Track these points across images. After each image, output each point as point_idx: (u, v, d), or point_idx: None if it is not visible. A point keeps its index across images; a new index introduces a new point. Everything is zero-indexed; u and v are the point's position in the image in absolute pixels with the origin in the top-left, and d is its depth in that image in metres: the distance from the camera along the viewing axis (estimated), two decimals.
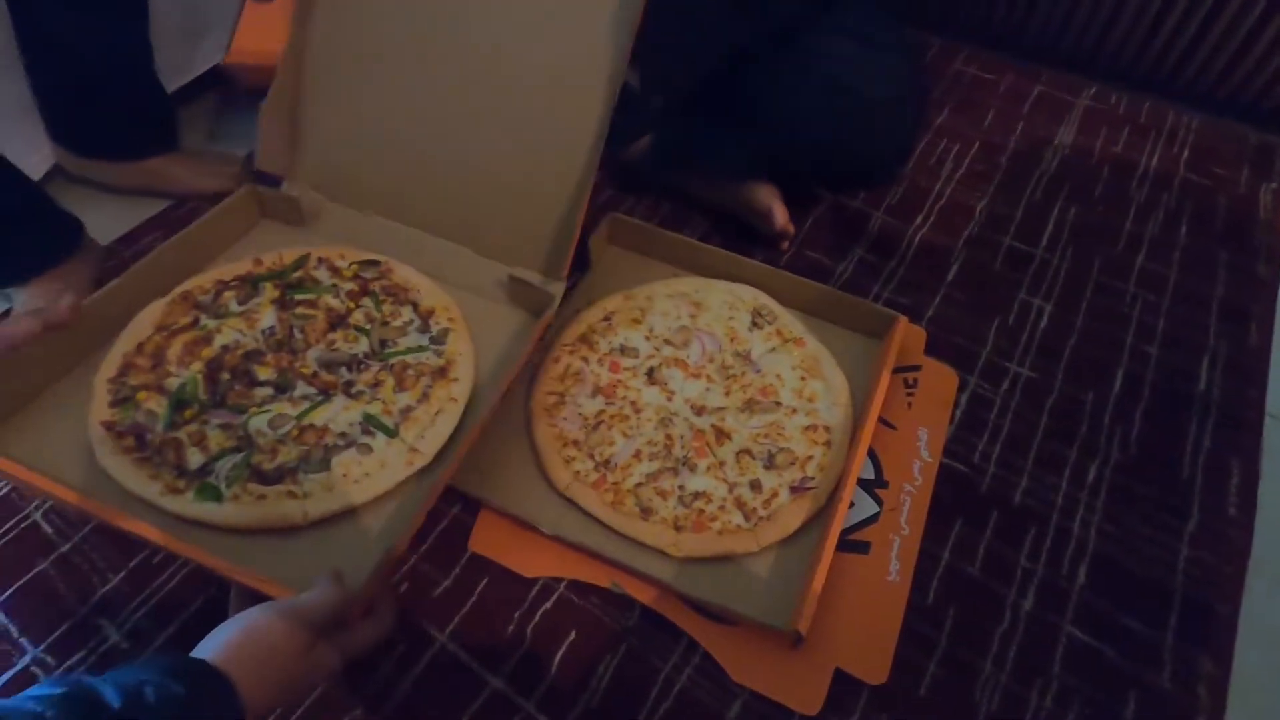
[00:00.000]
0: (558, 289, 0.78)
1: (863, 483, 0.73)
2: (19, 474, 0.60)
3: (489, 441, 0.74)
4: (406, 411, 0.71)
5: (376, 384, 0.73)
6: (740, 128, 0.90)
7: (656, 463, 0.72)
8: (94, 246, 0.87)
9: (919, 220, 1.01)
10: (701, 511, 0.69)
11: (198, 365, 0.71)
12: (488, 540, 0.69)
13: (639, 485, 0.70)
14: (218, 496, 0.63)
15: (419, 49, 0.79)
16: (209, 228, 0.83)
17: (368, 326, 0.77)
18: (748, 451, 0.73)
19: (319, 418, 0.69)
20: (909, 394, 0.81)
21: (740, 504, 0.70)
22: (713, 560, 0.67)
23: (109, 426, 0.66)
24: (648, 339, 0.82)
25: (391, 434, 0.69)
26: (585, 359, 0.80)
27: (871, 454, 0.75)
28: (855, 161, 0.87)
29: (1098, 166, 1.11)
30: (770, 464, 0.72)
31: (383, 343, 0.76)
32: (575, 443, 0.73)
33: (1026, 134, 1.16)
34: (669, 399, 0.77)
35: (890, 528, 0.71)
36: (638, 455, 0.73)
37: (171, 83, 0.98)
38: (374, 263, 0.83)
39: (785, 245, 0.95)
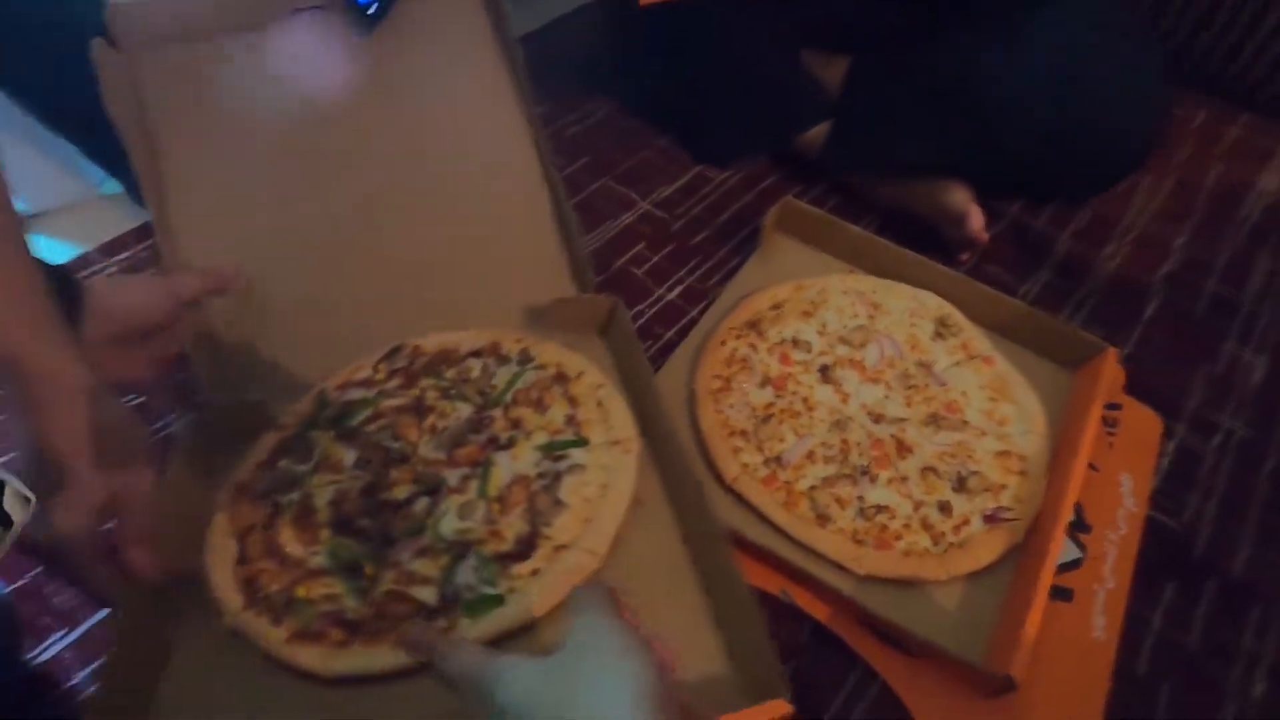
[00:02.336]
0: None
1: None
2: None
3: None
4: (570, 420, 0.63)
5: (516, 424, 0.64)
6: (937, 116, 0.83)
7: (833, 467, 0.65)
8: None
9: (1109, 250, 0.92)
10: (884, 528, 0.61)
11: (325, 533, 0.58)
12: None
13: (814, 488, 0.63)
14: (496, 601, 0.53)
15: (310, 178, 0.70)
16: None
17: (451, 399, 0.66)
18: (933, 469, 0.66)
19: (499, 481, 0.60)
20: (1110, 433, 0.72)
21: (927, 525, 0.62)
22: (895, 583, 0.59)
23: (300, 637, 0.52)
24: (821, 334, 0.75)
25: (583, 442, 0.62)
26: (754, 346, 0.73)
27: None
28: (1076, 160, 0.77)
29: None
30: (960, 487, 0.64)
31: (482, 394, 0.67)
32: (743, 433, 0.67)
33: (1225, 176, 1.06)
34: (844, 401, 0.70)
35: (1094, 577, 0.62)
36: (811, 456, 0.66)
37: None
38: (396, 349, 0.70)
39: (966, 257, 0.87)
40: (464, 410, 0.66)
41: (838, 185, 0.95)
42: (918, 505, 0.63)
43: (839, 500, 0.63)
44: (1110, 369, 0.70)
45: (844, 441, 0.67)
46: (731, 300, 0.80)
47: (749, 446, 0.66)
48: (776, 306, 0.77)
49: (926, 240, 0.88)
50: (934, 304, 0.78)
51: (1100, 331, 0.82)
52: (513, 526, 0.57)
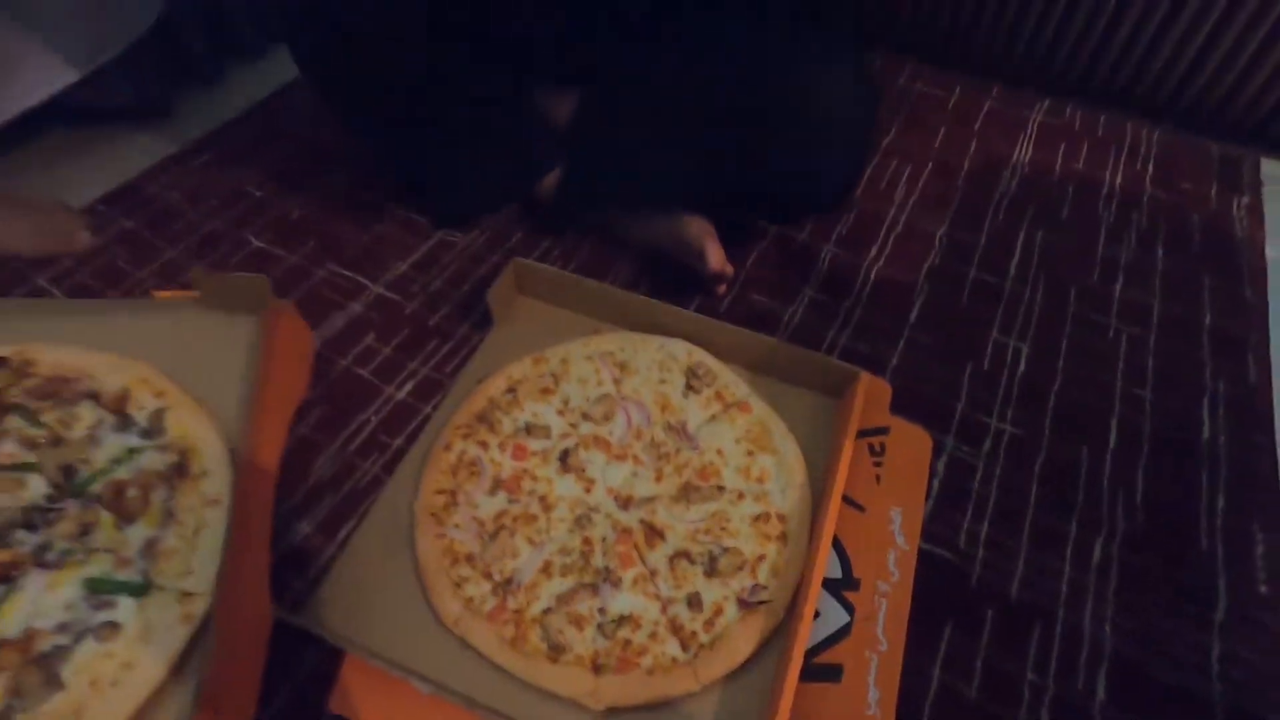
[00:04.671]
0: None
1: (828, 584, 0.59)
2: None
3: (358, 560, 0.58)
4: (151, 547, 0.52)
5: (84, 531, 0.52)
6: (663, 145, 0.77)
7: (571, 578, 0.57)
8: None
9: (874, 252, 0.89)
10: (628, 643, 0.54)
11: None
12: (353, 698, 0.53)
13: (547, 612, 0.55)
14: None
15: None
16: None
17: (30, 458, 0.54)
18: (685, 554, 0.59)
19: (10, 623, 0.47)
20: (876, 463, 0.68)
21: (676, 628, 0.55)
22: (644, 709, 0.52)
23: None
24: (561, 414, 0.67)
25: (141, 590, 0.50)
26: (484, 444, 0.64)
27: (837, 545, 0.61)
28: (795, 179, 0.74)
29: (1060, 185, 1.01)
30: (712, 570, 0.58)
31: (67, 470, 0.54)
32: (469, 557, 0.58)
33: (981, 152, 1.06)
34: (587, 490, 0.63)
35: (865, 642, 0.57)
36: (547, 569, 0.57)
37: None
38: (3, 360, 0.58)
39: (723, 290, 0.82)
40: (32, 489, 0.53)
41: (590, 231, 0.88)
42: (666, 605, 0.56)
43: (577, 620, 0.55)
44: (860, 397, 0.66)
45: (586, 541, 0.59)
46: (466, 388, 0.71)
47: (475, 574, 0.57)
48: (512, 389, 0.69)
49: (687, 279, 0.82)
50: (683, 353, 0.72)
51: (868, 346, 0.79)
52: None
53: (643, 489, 0.63)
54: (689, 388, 0.69)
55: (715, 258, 0.75)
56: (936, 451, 0.70)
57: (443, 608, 0.55)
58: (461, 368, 0.74)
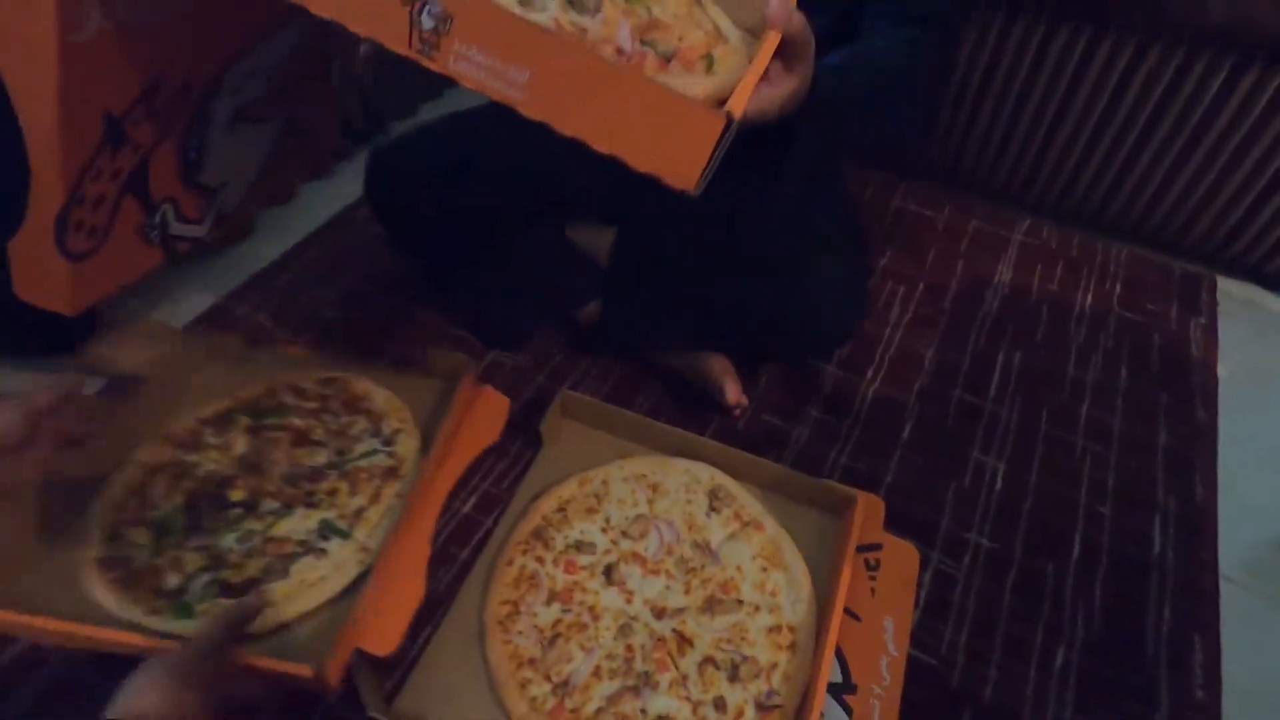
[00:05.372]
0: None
1: (830, 688, 0.71)
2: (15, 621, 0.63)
3: (438, 662, 0.70)
4: (359, 513, 0.77)
5: (333, 491, 0.79)
6: (688, 300, 0.91)
7: (617, 681, 0.69)
8: None
9: (870, 373, 1.02)
10: None
11: (179, 498, 0.77)
12: None
13: (599, 711, 0.67)
14: (190, 614, 0.69)
15: None
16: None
17: (327, 440, 0.84)
18: (711, 660, 0.71)
19: (281, 530, 0.75)
20: (871, 577, 0.80)
21: None
22: None
23: (101, 562, 0.71)
24: (604, 531, 0.80)
25: (345, 535, 0.75)
26: (540, 559, 0.77)
27: (838, 653, 0.73)
28: (797, 342, 0.88)
29: (1036, 306, 1.15)
30: (734, 676, 0.69)
31: (340, 452, 0.83)
32: (532, 661, 0.70)
33: (967, 273, 1.19)
34: (628, 601, 0.75)
35: None
36: (597, 673, 0.69)
37: None
38: (332, 379, 0.90)
39: (738, 414, 0.94)
40: (320, 458, 0.82)
41: (622, 354, 1.01)
42: (696, 706, 0.68)
43: (622, 719, 0.66)
44: (858, 521, 0.78)
45: (628, 648, 0.71)
46: (522, 505, 0.83)
47: (537, 676, 0.69)
48: (562, 508, 0.81)
49: (707, 400, 0.95)
50: (706, 475, 0.84)
51: (865, 464, 0.92)
52: (254, 570, 0.72)
53: (674, 601, 0.75)
54: (711, 508, 0.82)
55: (733, 393, 0.88)
56: (923, 565, 0.82)
57: (511, 706, 0.67)
58: (515, 483, 0.86)
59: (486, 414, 0.91)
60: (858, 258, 0.89)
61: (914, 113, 0.83)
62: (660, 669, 0.70)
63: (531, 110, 0.46)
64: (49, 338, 0.89)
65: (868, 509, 0.81)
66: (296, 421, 0.85)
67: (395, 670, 0.70)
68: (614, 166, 0.47)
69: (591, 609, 0.74)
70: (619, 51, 0.50)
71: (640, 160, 0.46)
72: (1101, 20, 1.10)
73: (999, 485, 0.90)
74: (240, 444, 0.82)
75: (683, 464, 0.85)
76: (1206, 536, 0.86)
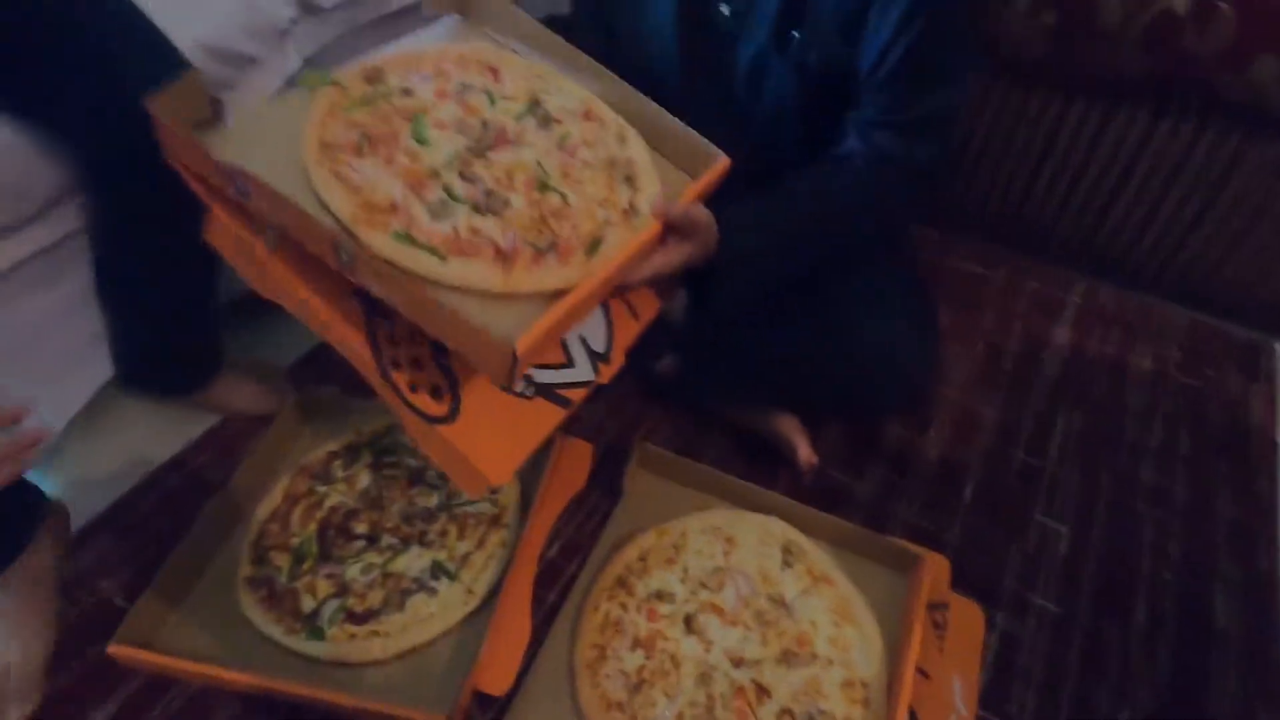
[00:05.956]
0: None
1: None
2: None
3: (532, 701, 0.75)
4: (465, 557, 0.84)
5: (444, 533, 0.86)
6: (762, 362, 0.96)
7: None
8: (59, 509, 0.86)
9: (932, 433, 1.06)
10: None
11: (313, 526, 0.86)
12: None
13: None
14: (321, 636, 0.77)
15: None
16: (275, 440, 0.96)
17: (439, 483, 0.91)
18: (789, 712, 0.75)
19: (399, 565, 0.83)
20: (939, 635, 0.83)
21: None
22: None
23: (249, 581, 0.81)
24: (683, 581, 0.84)
25: (453, 578, 0.82)
26: (624, 606, 0.82)
27: (909, 710, 0.77)
28: (867, 408, 0.92)
29: (1095, 369, 1.17)
30: None
31: (449, 496, 0.89)
32: (619, 705, 0.74)
33: (1025, 334, 1.23)
34: (707, 650, 0.79)
35: None
36: (680, 719, 0.74)
37: None
38: None
39: (806, 470, 0.99)
40: (432, 500, 0.89)
41: (694, 406, 1.06)
42: None
43: None
44: (927, 581, 0.82)
45: (709, 696, 0.75)
46: (604, 552, 0.88)
47: (624, 719, 0.74)
48: (643, 557, 0.86)
49: (776, 455, 1.00)
50: (779, 530, 0.89)
51: (930, 522, 0.95)
52: (374, 600, 0.79)
53: (752, 652, 0.79)
54: (785, 563, 0.86)
55: (804, 452, 0.93)
56: (988, 625, 0.85)
57: None
58: (595, 530, 0.92)
59: (573, 462, 0.97)
60: (929, 319, 0.93)
61: (867, 237, 0.85)
62: (740, 718, 0.74)
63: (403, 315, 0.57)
64: (189, 379, 0.97)
65: (934, 567, 0.85)
66: (411, 462, 0.93)
67: (490, 708, 0.75)
68: None
69: (673, 656, 0.78)
70: (497, 250, 0.59)
71: (469, 358, 0.57)
72: (1162, 101, 1.14)
73: (1062, 547, 0.93)
74: (364, 479, 0.91)
75: (756, 518, 0.90)
76: (1270, 609, 0.88)
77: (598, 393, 1.08)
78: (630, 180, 0.67)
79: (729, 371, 0.98)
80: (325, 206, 0.57)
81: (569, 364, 0.70)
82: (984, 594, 0.87)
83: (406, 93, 0.65)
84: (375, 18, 1.08)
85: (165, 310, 0.90)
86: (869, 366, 0.86)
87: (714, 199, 0.71)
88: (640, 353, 1.07)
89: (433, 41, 0.73)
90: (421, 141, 0.63)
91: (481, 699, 0.76)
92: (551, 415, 0.67)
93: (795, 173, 0.80)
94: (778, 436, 0.96)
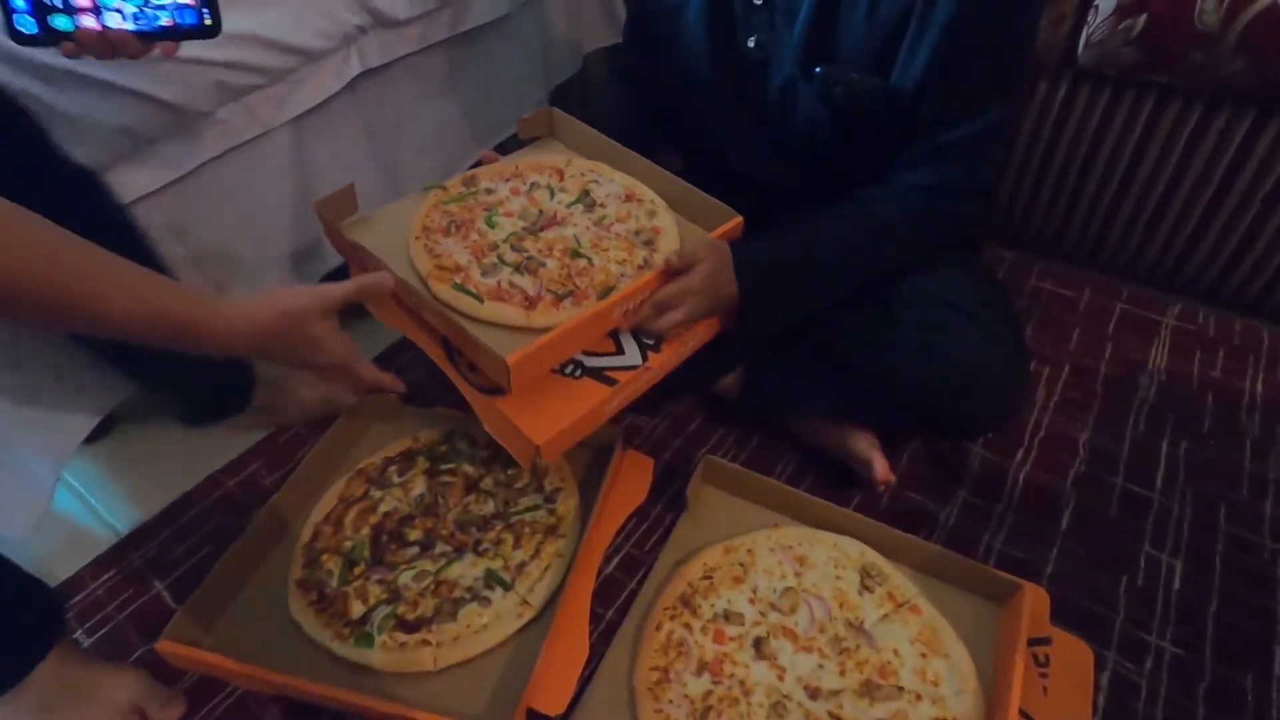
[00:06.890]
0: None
1: None
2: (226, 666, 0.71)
3: None
4: (521, 567, 0.80)
5: (499, 541, 0.82)
6: (835, 373, 0.90)
7: None
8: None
9: (1020, 455, 0.98)
10: None
11: (366, 530, 0.84)
12: None
13: None
14: (370, 643, 0.74)
15: None
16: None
17: (495, 490, 0.88)
18: None
19: (452, 573, 0.80)
20: (1043, 674, 0.74)
21: None
22: None
23: (300, 584, 0.79)
24: (752, 602, 0.78)
25: (508, 588, 0.78)
26: (688, 626, 0.76)
27: None
28: (950, 420, 0.85)
29: (1200, 394, 1.08)
30: None
31: (506, 504, 0.87)
32: None
33: (1117, 357, 1.14)
34: (780, 678, 0.72)
35: None
36: None
37: None
38: None
39: (882, 489, 0.92)
40: (488, 508, 0.86)
41: (760, 425, 1.01)
42: None
43: None
44: (1027, 612, 0.73)
45: None
46: (666, 568, 0.83)
47: None
48: (708, 575, 0.80)
49: (849, 474, 0.93)
50: (856, 552, 0.82)
51: (1022, 552, 0.87)
52: (426, 608, 0.76)
53: (829, 682, 0.72)
54: (864, 586, 0.79)
55: (881, 469, 0.86)
56: (1098, 665, 0.75)
57: None
58: (656, 546, 0.86)
59: (633, 476, 0.93)
60: (1016, 333, 0.87)
61: (889, 263, 0.86)
62: None
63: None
64: (223, 403, 0.96)
65: (1031, 599, 0.76)
66: (468, 469, 0.91)
67: None
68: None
69: (742, 683, 0.72)
70: (525, 296, 0.77)
71: (487, 370, 0.73)
72: (1268, 104, 1.07)
73: (1177, 584, 0.83)
74: (419, 485, 0.89)
75: (830, 537, 0.83)
76: None
77: (659, 408, 1.05)
78: (649, 244, 0.83)
79: (795, 383, 0.93)
80: (414, 269, 0.79)
81: (619, 352, 0.79)
82: (1089, 631, 0.78)
83: (489, 191, 0.90)
84: (447, 36, 1.10)
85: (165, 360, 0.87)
86: (956, 383, 0.80)
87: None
88: (701, 374, 1.04)
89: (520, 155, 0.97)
90: (491, 225, 0.85)
91: (534, 717, 0.70)
92: (597, 392, 0.75)
93: (840, 194, 0.85)
94: (851, 454, 0.90)
